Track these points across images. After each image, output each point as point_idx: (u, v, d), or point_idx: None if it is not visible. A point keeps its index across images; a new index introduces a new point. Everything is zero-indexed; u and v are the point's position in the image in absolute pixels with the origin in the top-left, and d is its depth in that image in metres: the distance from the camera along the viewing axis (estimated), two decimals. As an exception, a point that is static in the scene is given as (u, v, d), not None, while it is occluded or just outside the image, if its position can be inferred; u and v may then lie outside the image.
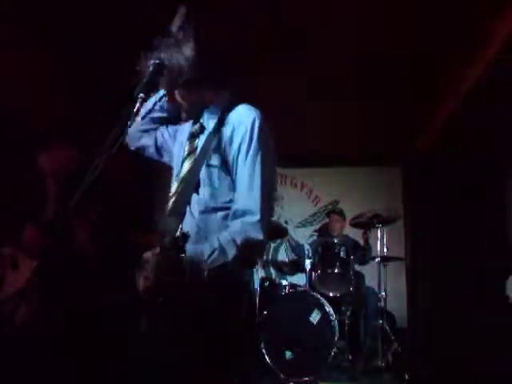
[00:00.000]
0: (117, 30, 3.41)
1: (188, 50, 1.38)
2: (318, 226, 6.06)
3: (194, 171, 1.46)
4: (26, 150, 2.59)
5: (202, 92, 1.49)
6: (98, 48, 3.62)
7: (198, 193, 1.45)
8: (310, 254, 4.20)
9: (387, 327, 3.81)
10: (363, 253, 4.52)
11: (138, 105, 1.24)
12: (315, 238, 5.78)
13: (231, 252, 1.32)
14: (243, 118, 1.46)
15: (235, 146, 1.42)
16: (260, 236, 1.35)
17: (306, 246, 4.36)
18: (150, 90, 1.32)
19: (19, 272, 2.14)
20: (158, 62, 1.37)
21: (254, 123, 1.44)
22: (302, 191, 6.22)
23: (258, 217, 1.36)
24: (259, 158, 1.41)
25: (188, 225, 1.43)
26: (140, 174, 5.64)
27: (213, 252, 1.31)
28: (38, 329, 2.12)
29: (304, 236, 6.06)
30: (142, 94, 1.25)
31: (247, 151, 1.41)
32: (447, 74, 3.99)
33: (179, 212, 1.42)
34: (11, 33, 3.26)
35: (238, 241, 1.32)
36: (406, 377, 3.57)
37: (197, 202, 1.46)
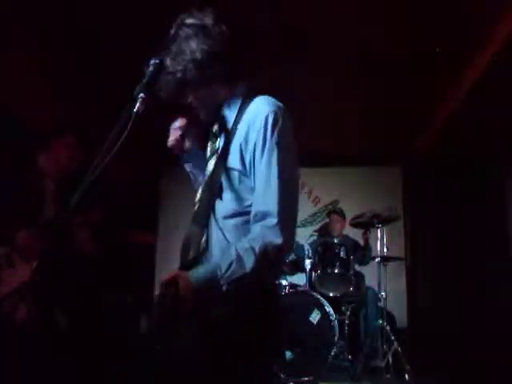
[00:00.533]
0: (117, 29, 3.41)
1: (194, 49, 1.35)
2: (318, 226, 6.06)
3: (215, 175, 1.38)
4: (26, 150, 2.59)
5: (214, 89, 1.41)
6: (98, 48, 3.62)
7: (221, 198, 1.37)
8: (310, 254, 4.20)
9: (387, 327, 3.80)
10: (363, 253, 4.52)
11: (138, 105, 1.23)
12: (315, 238, 5.78)
13: (249, 262, 1.21)
14: (257, 114, 1.35)
15: (250, 145, 1.32)
16: (279, 240, 1.24)
17: (306, 246, 4.36)
18: (150, 89, 1.31)
19: (15, 272, 2.14)
20: (157, 61, 1.37)
21: (268, 119, 1.33)
22: (301, 191, 6.22)
23: (276, 219, 1.26)
24: (275, 156, 1.32)
25: (214, 233, 1.36)
26: (141, 175, 5.65)
27: (230, 264, 1.21)
28: (38, 328, 2.12)
29: (304, 236, 6.06)
30: (142, 94, 1.25)
31: (262, 150, 1.31)
32: (447, 74, 3.99)
33: (202, 220, 1.37)
34: (11, 33, 3.26)
35: (257, 248, 1.22)
36: (406, 377, 3.57)
37: (220, 207, 1.37)
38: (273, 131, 1.33)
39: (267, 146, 1.32)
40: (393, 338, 3.75)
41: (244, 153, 1.33)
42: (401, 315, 5.34)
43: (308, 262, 4.21)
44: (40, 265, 1.96)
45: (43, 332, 2.15)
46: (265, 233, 1.26)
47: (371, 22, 3.41)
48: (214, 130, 1.47)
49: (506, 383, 3.38)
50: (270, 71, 4.01)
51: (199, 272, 1.25)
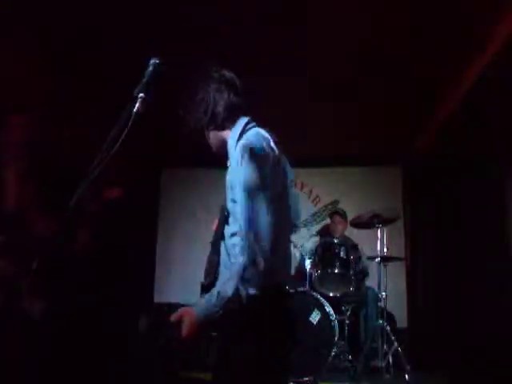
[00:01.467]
0: (117, 29, 3.41)
1: (215, 101, 1.59)
2: (318, 227, 6.05)
3: (225, 207, 1.57)
4: None
5: (217, 132, 1.63)
6: (99, 48, 3.62)
7: (228, 223, 1.56)
8: (310, 254, 4.21)
9: (387, 327, 3.80)
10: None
11: (138, 105, 1.24)
12: (316, 238, 5.79)
13: (229, 286, 1.38)
14: (238, 151, 1.49)
15: (234, 181, 1.49)
16: (241, 258, 1.39)
17: (309, 245, 4.36)
18: (149, 89, 1.32)
19: None
20: (157, 61, 1.37)
21: (244, 155, 1.45)
22: (301, 191, 6.22)
23: (239, 238, 1.44)
24: (246, 193, 1.43)
25: (222, 255, 1.56)
26: (142, 176, 5.65)
27: (218, 292, 1.39)
28: (31, 324, 2.11)
29: (304, 236, 6.06)
30: (141, 94, 1.25)
31: (240, 186, 1.45)
32: (447, 74, 3.99)
33: (217, 246, 1.57)
34: (11, 33, 3.26)
35: (231, 271, 1.42)
36: (406, 377, 3.57)
37: (226, 231, 1.57)
38: (247, 166, 1.44)
39: (242, 182, 1.44)
40: (393, 338, 3.75)
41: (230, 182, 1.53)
42: (401, 315, 5.34)
43: (308, 262, 4.21)
44: (40, 263, 1.95)
45: (39, 329, 2.15)
46: (235, 253, 1.47)
47: (371, 22, 3.41)
48: (227, 166, 1.64)
49: (506, 383, 3.38)
50: (270, 72, 4.02)
51: (201, 305, 1.43)
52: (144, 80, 1.31)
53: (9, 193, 2.38)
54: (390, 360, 3.69)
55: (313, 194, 6.20)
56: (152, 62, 1.37)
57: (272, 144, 1.54)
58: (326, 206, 6.10)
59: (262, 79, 4.06)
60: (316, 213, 6.15)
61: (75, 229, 2.50)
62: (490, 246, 4.76)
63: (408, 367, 3.59)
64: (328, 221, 5.38)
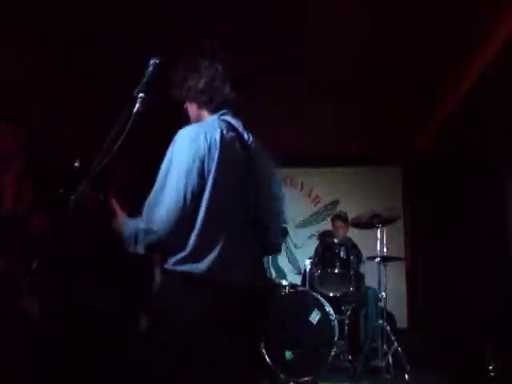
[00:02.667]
0: (117, 29, 3.42)
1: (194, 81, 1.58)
2: (317, 226, 6.04)
3: None
4: None
5: (196, 108, 1.65)
6: (99, 48, 3.62)
7: None
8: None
9: (387, 327, 3.80)
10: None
11: (138, 105, 1.24)
12: (316, 238, 5.80)
13: (129, 231, 1.55)
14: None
15: None
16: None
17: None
18: (149, 89, 1.32)
19: None
20: (157, 61, 1.37)
21: (174, 139, 1.50)
22: (302, 191, 6.22)
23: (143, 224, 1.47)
24: (163, 171, 1.48)
25: None
26: (142, 176, 5.63)
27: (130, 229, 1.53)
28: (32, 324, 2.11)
29: (304, 236, 6.07)
30: (141, 94, 1.25)
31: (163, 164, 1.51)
32: (447, 73, 3.99)
33: None
34: (11, 32, 3.26)
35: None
36: (406, 377, 3.57)
37: None
38: (171, 145, 1.49)
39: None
40: (393, 338, 3.75)
41: None
42: (401, 315, 5.35)
43: (308, 262, 4.21)
44: (40, 262, 1.95)
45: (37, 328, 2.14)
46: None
47: (371, 22, 3.41)
48: None
49: (505, 383, 3.38)
50: (270, 72, 4.02)
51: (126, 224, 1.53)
52: (144, 80, 1.31)
53: (7, 193, 2.37)
54: (390, 360, 3.69)
55: (313, 194, 6.20)
56: (152, 62, 1.37)
57: (217, 137, 1.49)
58: (325, 206, 6.10)
59: (262, 79, 4.06)
60: (316, 213, 6.15)
61: (75, 229, 2.49)
62: (489, 246, 4.75)
63: (408, 367, 3.59)
64: (328, 221, 5.37)
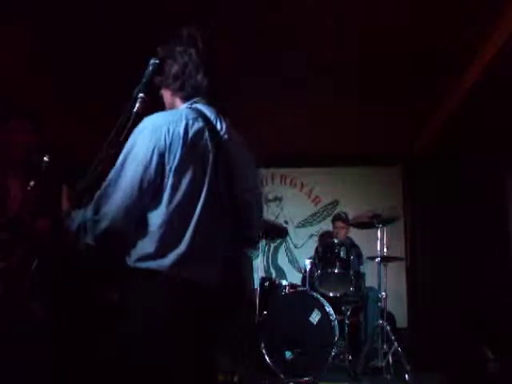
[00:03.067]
0: (117, 29, 3.42)
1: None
2: (318, 228, 6.04)
3: None
4: None
5: (169, 95, 1.58)
6: (99, 47, 3.62)
7: None
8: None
9: (387, 327, 3.80)
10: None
11: (138, 104, 1.23)
12: (316, 238, 5.80)
13: (74, 225, 1.48)
14: None
15: None
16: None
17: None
18: (149, 89, 1.32)
19: None
20: (157, 61, 1.37)
21: (138, 126, 1.43)
22: (302, 191, 6.22)
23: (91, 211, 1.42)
24: (122, 158, 1.41)
25: None
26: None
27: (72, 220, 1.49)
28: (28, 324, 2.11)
29: (304, 236, 6.07)
30: (141, 94, 1.25)
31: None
32: (447, 73, 3.99)
33: None
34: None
35: None
36: (406, 377, 3.56)
37: None
38: (133, 132, 1.42)
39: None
40: (393, 338, 3.75)
41: None
42: (401, 315, 5.34)
43: (308, 262, 4.21)
44: (40, 261, 1.95)
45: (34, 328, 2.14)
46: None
47: (371, 22, 3.41)
48: None
49: (505, 383, 3.38)
50: (270, 72, 4.02)
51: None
52: (144, 80, 1.31)
53: (14, 196, 2.36)
54: (390, 360, 3.69)
55: (313, 194, 6.20)
56: (152, 62, 1.37)
57: (181, 131, 1.42)
58: (326, 206, 6.10)
59: (262, 79, 4.07)
60: (316, 213, 6.15)
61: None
62: (489, 246, 4.76)
63: (408, 367, 3.59)
64: (328, 220, 5.37)
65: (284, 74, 4.11)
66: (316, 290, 3.91)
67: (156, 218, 1.39)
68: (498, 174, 5.04)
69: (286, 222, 6.00)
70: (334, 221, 4.93)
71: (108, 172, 1.37)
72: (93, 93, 4.10)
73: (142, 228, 1.40)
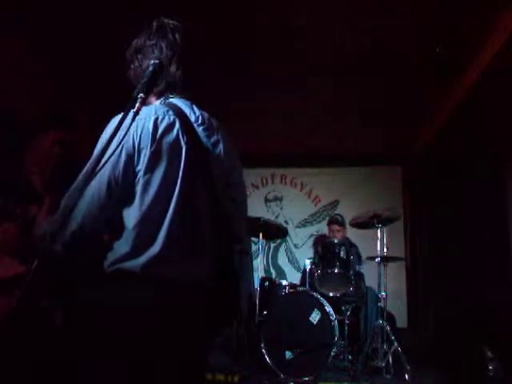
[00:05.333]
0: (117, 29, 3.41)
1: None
2: (318, 228, 6.04)
3: None
4: (11, 147, 2.47)
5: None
6: (99, 47, 3.62)
7: None
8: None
9: (387, 327, 3.80)
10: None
11: (137, 105, 1.23)
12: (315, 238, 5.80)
13: (41, 231, 1.46)
14: None
15: None
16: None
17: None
18: (149, 89, 1.31)
19: None
20: (157, 61, 1.37)
21: (104, 132, 1.41)
22: (302, 191, 6.22)
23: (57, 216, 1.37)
24: (93, 157, 1.37)
25: None
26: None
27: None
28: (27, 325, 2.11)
29: (304, 236, 6.07)
30: (141, 94, 1.24)
31: None
32: (447, 73, 3.99)
33: None
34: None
35: None
36: (406, 377, 3.56)
37: None
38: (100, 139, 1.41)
39: None
40: (393, 338, 3.75)
41: None
42: (401, 315, 5.34)
43: (308, 262, 4.21)
44: (40, 263, 1.94)
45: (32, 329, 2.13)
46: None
47: (371, 22, 3.41)
48: None
49: (505, 383, 3.38)
50: (270, 71, 4.02)
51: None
52: (144, 80, 1.31)
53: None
54: (390, 360, 3.69)
55: (313, 193, 6.19)
56: (152, 62, 1.36)
57: (150, 126, 1.36)
58: (325, 206, 6.10)
59: (262, 79, 4.07)
60: (316, 213, 6.15)
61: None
62: (489, 246, 4.76)
63: (408, 367, 3.59)
64: (326, 219, 5.37)
65: (283, 74, 4.11)
66: (316, 290, 3.91)
67: (130, 218, 1.35)
68: (497, 173, 5.04)
69: (286, 222, 6.00)
70: (329, 224, 4.93)
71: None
72: (93, 93, 4.11)
73: (117, 229, 1.36)
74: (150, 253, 1.33)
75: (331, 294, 3.91)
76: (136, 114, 1.23)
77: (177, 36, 1.50)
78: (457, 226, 5.03)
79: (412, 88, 4.26)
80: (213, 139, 1.50)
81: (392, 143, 5.53)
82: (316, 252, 4.18)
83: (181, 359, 1.40)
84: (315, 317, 3.65)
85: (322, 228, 5.85)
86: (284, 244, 6.05)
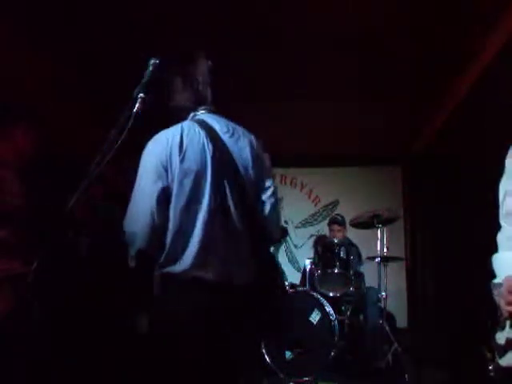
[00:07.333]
0: (118, 29, 3.42)
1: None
2: (318, 228, 6.04)
3: None
4: None
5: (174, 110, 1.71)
6: (99, 47, 3.62)
7: None
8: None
9: (387, 327, 3.80)
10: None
11: (138, 105, 1.23)
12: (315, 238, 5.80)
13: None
14: None
15: None
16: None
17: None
18: (149, 89, 1.31)
19: None
20: (157, 61, 1.37)
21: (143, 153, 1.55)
22: (302, 191, 6.22)
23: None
24: (138, 177, 1.52)
25: None
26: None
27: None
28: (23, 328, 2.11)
29: (304, 236, 6.06)
30: (141, 94, 1.25)
31: None
32: (447, 73, 3.99)
33: None
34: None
35: None
36: (406, 377, 3.56)
37: None
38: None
39: None
40: (393, 338, 3.75)
41: None
42: (401, 315, 5.34)
43: (308, 262, 4.21)
44: (40, 264, 1.94)
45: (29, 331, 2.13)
46: None
47: (371, 23, 3.41)
48: None
49: (505, 383, 3.37)
50: (269, 72, 4.02)
51: None
52: (144, 80, 1.31)
53: (12, 192, 2.33)
54: (390, 360, 3.69)
55: (313, 193, 6.19)
56: (152, 62, 1.37)
57: (177, 140, 1.50)
58: (326, 206, 6.10)
59: (261, 79, 4.07)
60: (316, 213, 6.15)
61: (75, 228, 2.49)
62: (489, 246, 4.76)
63: (408, 367, 3.59)
64: (326, 221, 5.37)
65: (284, 75, 4.11)
66: (316, 290, 3.91)
67: (168, 227, 1.47)
68: (497, 174, 5.04)
69: (286, 222, 6.00)
70: (330, 224, 4.94)
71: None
72: (93, 93, 4.11)
73: (158, 238, 1.49)
74: (188, 256, 1.45)
75: (331, 294, 3.91)
76: (137, 114, 1.24)
77: (202, 60, 1.68)
78: (457, 226, 5.03)
79: (412, 88, 4.26)
80: (239, 145, 1.62)
81: (392, 143, 5.53)
82: (316, 252, 4.18)
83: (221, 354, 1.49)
84: (315, 317, 3.65)
85: (322, 228, 5.85)
86: (284, 244, 6.05)
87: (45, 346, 2.21)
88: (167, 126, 1.59)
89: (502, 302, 1.39)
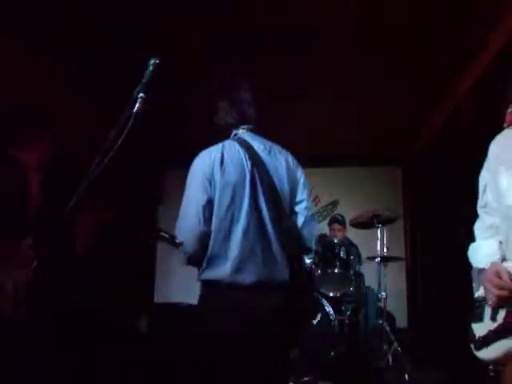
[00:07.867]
0: (118, 29, 3.42)
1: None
2: (318, 228, 6.03)
3: None
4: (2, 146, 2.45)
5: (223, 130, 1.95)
6: (99, 47, 3.63)
7: None
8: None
9: (387, 327, 3.80)
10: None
11: (138, 105, 1.23)
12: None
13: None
14: None
15: None
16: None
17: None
18: (149, 89, 1.31)
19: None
20: (157, 61, 1.37)
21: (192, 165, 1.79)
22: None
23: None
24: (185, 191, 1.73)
25: None
26: (145, 176, 5.64)
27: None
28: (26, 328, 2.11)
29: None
30: (141, 94, 1.25)
31: None
32: (447, 74, 3.99)
33: None
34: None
35: None
36: (406, 377, 3.57)
37: None
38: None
39: None
40: (393, 338, 3.75)
41: None
42: (401, 315, 5.34)
43: (308, 262, 4.21)
44: (39, 265, 1.95)
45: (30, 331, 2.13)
46: None
47: (371, 23, 3.41)
48: None
49: (505, 383, 3.37)
50: (269, 71, 4.02)
51: None
52: (144, 80, 1.31)
53: (35, 198, 2.34)
54: (390, 360, 3.69)
55: (313, 194, 6.19)
56: (152, 62, 1.36)
57: (218, 156, 1.70)
58: (326, 206, 6.10)
59: (261, 79, 4.06)
60: (316, 213, 6.15)
61: (75, 229, 2.49)
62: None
63: (408, 367, 3.59)
64: (326, 221, 5.37)
65: (283, 74, 4.11)
66: (316, 290, 3.91)
67: (209, 235, 1.66)
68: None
69: (286, 222, 6.00)
70: (330, 223, 4.95)
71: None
72: (93, 93, 4.11)
73: (204, 245, 1.67)
74: (229, 261, 1.61)
75: (331, 294, 3.91)
76: (137, 114, 1.24)
77: (240, 84, 1.92)
78: (457, 226, 5.03)
79: (412, 88, 4.26)
80: (275, 162, 1.82)
81: (392, 143, 5.53)
82: (316, 252, 4.18)
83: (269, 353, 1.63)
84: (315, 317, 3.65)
85: (322, 228, 5.84)
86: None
87: (44, 346, 2.21)
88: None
89: (489, 286, 1.39)
